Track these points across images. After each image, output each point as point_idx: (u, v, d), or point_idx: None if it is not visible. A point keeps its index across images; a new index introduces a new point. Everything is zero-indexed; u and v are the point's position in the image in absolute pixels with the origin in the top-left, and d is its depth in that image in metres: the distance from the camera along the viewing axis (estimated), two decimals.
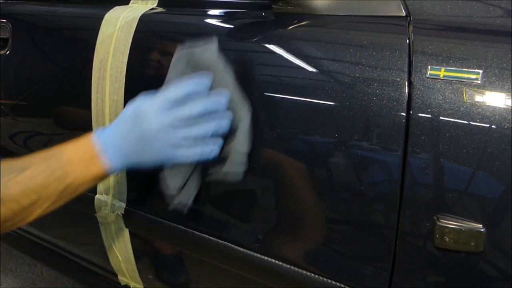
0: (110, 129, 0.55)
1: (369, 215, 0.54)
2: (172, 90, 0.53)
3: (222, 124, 0.55)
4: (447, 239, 0.48)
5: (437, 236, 0.49)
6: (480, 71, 0.47)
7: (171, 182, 0.56)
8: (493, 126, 0.46)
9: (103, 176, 0.55)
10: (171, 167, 0.56)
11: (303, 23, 0.61)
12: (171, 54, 0.69)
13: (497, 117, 0.46)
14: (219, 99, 0.54)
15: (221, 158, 0.55)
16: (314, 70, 0.56)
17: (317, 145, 0.56)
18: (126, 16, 0.74)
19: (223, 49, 0.66)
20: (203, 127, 0.53)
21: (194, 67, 0.56)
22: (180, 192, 0.57)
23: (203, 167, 0.57)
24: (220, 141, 0.55)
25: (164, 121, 0.52)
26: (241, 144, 0.56)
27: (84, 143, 0.54)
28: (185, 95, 0.53)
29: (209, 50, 0.56)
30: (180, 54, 0.57)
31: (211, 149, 0.55)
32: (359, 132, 0.53)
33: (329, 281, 0.58)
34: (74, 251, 1.04)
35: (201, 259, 0.74)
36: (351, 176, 0.54)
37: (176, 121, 0.52)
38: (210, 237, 0.68)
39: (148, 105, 0.53)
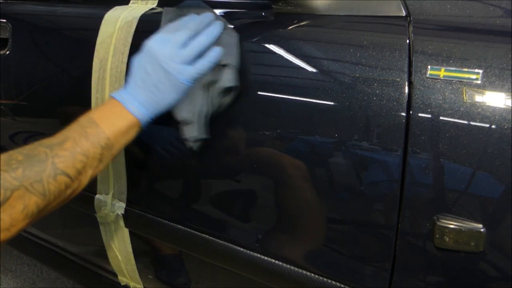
0: (129, 84, 0.57)
1: (369, 215, 0.54)
2: (179, 34, 0.56)
3: (216, 32, 0.59)
4: (447, 239, 0.48)
5: (437, 236, 0.49)
6: (480, 71, 0.47)
7: (182, 115, 0.58)
8: (493, 126, 0.46)
9: (136, 125, 0.57)
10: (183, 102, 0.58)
11: (303, 23, 0.61)
12: None
13: (497, 117, 0.46)
14: (212, 21, 0.59)
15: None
16: (314, 70, 0.56)
17: (317, 145, 0.56)
18: (126, 16, 0.74)
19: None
20: (203, 40, 0.57)
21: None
22: (192, 127, 0.59)
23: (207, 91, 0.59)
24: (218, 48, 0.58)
25: (179, 61, 0.55)
26: (231, 59, 0.58)
27: (109, 102, 0.57)
28: (190, 32, 0.56)
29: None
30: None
31: (217, 53, 0.57)
32: (359, 132, 0.53)
33: (329, 281, 0.58)
34: (74, 251, 1.04)
35: (201, 259, 0.74)
36: (351, 176, 0.54)
37: (189, 58, 0.55)
38: (210, 237, 0.68)
39: (162, 53, 0.55)
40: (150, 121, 0.58)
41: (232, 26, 0.63)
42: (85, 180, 0.54)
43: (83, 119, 0.55)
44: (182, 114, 0.58)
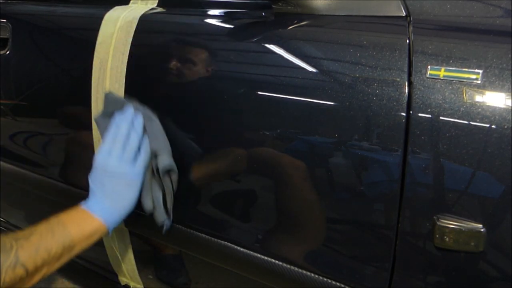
0: (91, 195, 0.63)
1: (369, 215, 0.54)
2: (117, 137, 0.63)
3: (140, 126, 0.65)
4: (447, 239, 0.48)
5: (437, 236, 0.49)
6: (480, 71, 0.47)
7: (146, 205, 0.65)
8: (493, 126, 0.46)
9: (101, 230, 0.61)
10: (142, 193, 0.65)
11: (303, 23, 0.61)
12: (171, 54, 0.69)
13: (497, 117, 0.46)
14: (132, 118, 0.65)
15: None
16: (314, 70, 0.56)
17: (317, 145, 0.56)
18: (126, 16, 0.74)
19: (223, 49, 0.66)
20: (134, 139, 0.63)
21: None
22: (157, 212, 0.66)
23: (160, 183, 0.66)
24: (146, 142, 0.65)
25: (124, 164, 0.61)
26: (158, 144, 0.65)
27: (75, 209, 0.62)
28: (126, 134, 0.63)
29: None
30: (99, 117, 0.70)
31: (147, 145, 0.64)
32: (359, 132, 0.53)
33: (329, 281, 0.58)
34: None
35: (201, 259, 0.74)
36: (351, 176, 0.54)
37: (130, 158, 0.62)
38: (210, 237, 0.68)
39: (109, 164, 0.62)
40: (117, 224, 0.63)
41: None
42: (37, 278, 0.56)
43: (53, 219, 0.59)
44: (146, 204, 0.65)
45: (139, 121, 0.64)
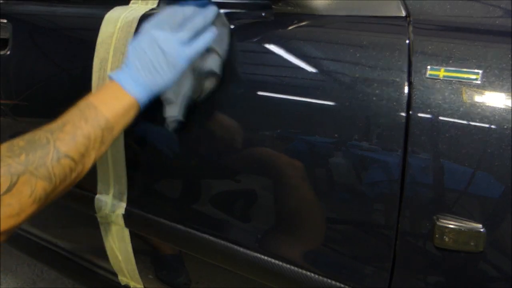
0: (126, 65, 0.57)
1: (369, 215, 0.54)
2: (175, 14, 0.57)
3: (210, 15, 0.59)
4: (447, 239, 0.48)
5: (437, 236, 0.49)
6: (480, 71, 0.47)
7: (167, 93, 0.59)
8: (493, 126, 0.46)
9: (134, 106, 0.57)
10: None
11: (303, 23, 0.61)
12: None
13: (497, 117, 0.46)
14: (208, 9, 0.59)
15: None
16: (314, 70, 0.56)
17: (317, 145, 0.56)
18: (126, 16, 0.74)
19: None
20: (199, 22, 0.57)
21: None
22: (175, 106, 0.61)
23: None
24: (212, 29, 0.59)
25: (176, 42, 0.56)
26: (220, 46, 0.60)
27: (107, 84, 0.57)
28: (186, 14, 0.57)
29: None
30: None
31: (211, 34, 0.58)
32: (359, 132, 0.53)
33: (329, 281, 0.58)
34: (75, 251, 1.04)
35: (201, 259, 0.74)
36: (351, 176, 0.54)
37: (185, 38, 0.56)
38: (210, 237, 0.68)
39: (160, 34, 0.56)
40: (148, 102, 0.58)
41: (224, 13, 0.63)
42: (89, 162, 0.55)
43: (82, 103, 0.55)
44: (167, 93, 0.59)
45: (211, 12, 0.58)
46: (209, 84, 0.61)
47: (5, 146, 0.50)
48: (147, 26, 0.57)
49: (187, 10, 0.58)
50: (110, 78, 0.57)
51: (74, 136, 0.52)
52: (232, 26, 0.63)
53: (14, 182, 0.48)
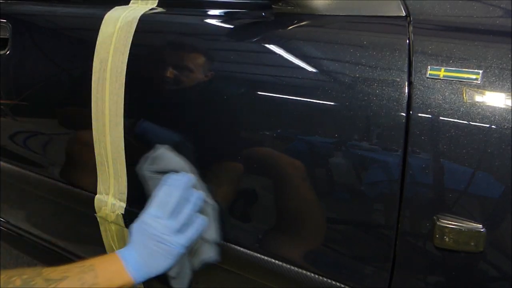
0: (131, 248, 0.62)
1: (369, 215, 0.54)
2: (167, 204, 0.61)
3: (199, 203, 0.64)
4: (447, 239, 0.48)
5: (437, 236, 0.49)
6: (480, 71, 0.47)
7: (172, 271, 0.64)
8: (493, 126, 0.46)
9: (128, 284, 0.61)
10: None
11: (303, 23, 0.61)
12: (171, 54, 0.69)
13: (497, 117, 0.46)
14: (198, 193, 0.64)
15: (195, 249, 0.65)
16: (314, 70, 0.56)
17: (317, 145, 0.56)
18: (126, 16, 0.74)
19: (223, 50, 0.66)
20: (189, 211, 0.62)
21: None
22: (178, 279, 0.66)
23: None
24: (202, 217, 0.63)
25: (170, 232, 0.60)
26: (210, 234, 0.64)
27: (111, 257, 0.61)
28: (177, 203, 0.61)
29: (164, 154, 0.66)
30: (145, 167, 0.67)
31: (200, 223, 0.62)
32: (359, 132, 0.53)
33: (329, 281, 0.58)
34: (74, 251, 1.04)
35: None
36: (351, 176, 0.54)
37: (178, 226, 0.61)
38: None
39: (156, 227, 0.60)
40: (143, 281, 0.62)
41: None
42: None
43: (87, 263, 0.59)
44: (170, 271, 0.63)
45: (200, 199, 0.63)
46: (205, 264, 0.65)
47: (3, 277, 0.53)
48: (145, 218, 0.61)
49: (174, 197, 0.61)
50: (116, 256, 0.61)
51: None
52: (231, 26, 0.63)
53: None
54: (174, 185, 0.62)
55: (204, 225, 0.63)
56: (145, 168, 0.67)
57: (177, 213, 0.61)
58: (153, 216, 0.61)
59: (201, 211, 0.64)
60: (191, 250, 0.64)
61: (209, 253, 0.64)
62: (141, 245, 0.61)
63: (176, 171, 0.64)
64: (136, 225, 0.62)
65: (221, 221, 0.65)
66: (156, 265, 0.60)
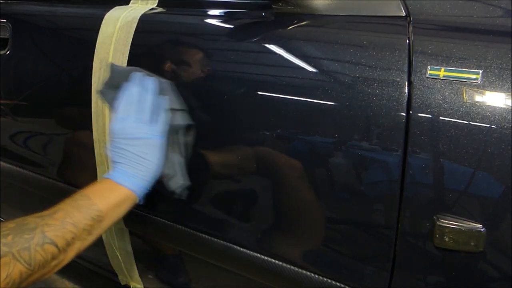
0: (115, 165, 0.60)
1: (369, 215, 0.54)
2: (130, 103, 0.61)
3: (152, 86, 0.63)
4: (447, 239, 0.48)
5: (437, 236, 0.49)
6: (480, 71, 0.47)
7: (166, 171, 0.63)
8: (493, 126, 0.46)
9: (130, 198, 0.59)
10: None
11: (303, 23, 0.61)
12: (171, 54, 0.69)
13: (497, 117, 0.46)
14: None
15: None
16: (314, 70, 0.56)
17: (317, 145, 0.56)
18: (126, 16, 0.74)
19: (223, 49, 0.66)
20: (150, 99, 0.61)
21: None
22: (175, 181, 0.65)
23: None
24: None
25: (143, 125, 0.59)
26: (175, 104, 0.63)
27: (99, 181, 0.60)
28: (138, 97, 0.61)
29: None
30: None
31: (164, 101, 0.62)
32: (359, 132, 0.53)
33: (329, 281, 0.58)
34: None
35: (201, 259, 0.74)
36: (351, 176, 0.54)
37: (148, 117, 0.60)
38: (210, 237, 0.68)
39: (127, 128, 0.60)
40: (146, 191, 0.60)
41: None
42: (71, 253, 0.55)
43: (76, 194, 0.57)
44: (164, 171, 0.62)
45: (151, 82, 0.62)
46: (189, 139, 0.65)
47: None
48: (113, 127, 0.61)
49: (134, 93, 0.61)
50: (104, 179, 0.60)
51: (63, 222, 0.53)
52: (231, 26, 0.63)
53: None
54: (130, 84, 0.62)
55: (167, 103, 0.62)
56: (100, 88, 0.68)
57: (142, 106, 0.60)
58: (121, 119, 0.60)
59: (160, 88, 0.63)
60: (169, 136, 0.63)
61: (181, 119, 0.63)
62: (123, 156, 0.59)
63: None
64: (111, 144, 0.61)
65: (179, 94, 0.65)
66: (148, 165, 0.59)
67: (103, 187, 0.58)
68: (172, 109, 0.63)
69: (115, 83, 0.65)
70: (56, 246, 0.52)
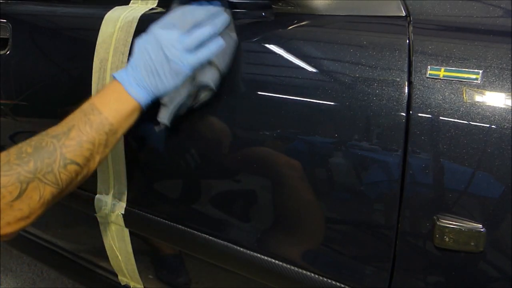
0: (131, 66, 0.57)
1: (369, 215, 0.54)
2: (185, 18, 0.56)
3: (220, 25, 0.58)
4: (447, 239, 0.48)
5: (437, 236, 0.49)
6: (480, 71, 0.47)
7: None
8: (493, 126, 0.46)
9: (137, 109, 0.58)
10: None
11: (303, 23, 0.61)
12: None
13: (497, 117, 0.46)
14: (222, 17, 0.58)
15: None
16: (314, 70, 0.56)
17: (317, 145, 0.56)
18: (126, 16, 0.74)
19: None
20: (207, 31, 0.56)
21: None
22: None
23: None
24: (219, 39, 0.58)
25: (181, 48, 0.55)
26: (220, 62, 0.58)
27: (110, 85, 0.58)
28: (197, 19, 0.56)
29: None
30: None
31: (216, 45, 0.57)
32: (359, 132, 0.53)
33: (329, 281, 0.58)
34: (75, 251, 1.04)
35: (201, 259, 0.74)
36: (351, 176, 0.54)
37: (191, 46, 0.55)
38: (210, 237, 0.68)
39: (166, 39, 0.55)
40: (148, 103, 0.58)
41: (235, 27, 0.62)
42: (93, 165, 0.57)
43: (86, 106, 0.57)
44: (164, 97, 0.59)
45: (222, 21, 0.57)
46: (203, 96, 0.61)
47: (13, 152, 0.52)
48: (155, 27, 0.56)
49: (198, 14, 0.57)
50: (114, 78, 0.58)
51: (80, 142, 0.54)
52: (234, 27, 0.63)
53: (24, 189, 0.51)
54: (203, 3, 0.57)
55: (219, 49, 0.57)
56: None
57: (195, 30, 0.55)
58: (166, 25, 0.55)
59: (220, 34, 0.58)
60: (193, 78, 0.58)
61: (209, 77, 0.58)
62: (145, 59, 0.55)
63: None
64: (142, 37, 0.56)
65: (233, 57, 0.60)
66: (160, 84, 0.55)
67: (112, 96, 0.56)
68: (213, 64, 0.58)
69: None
70: (78, 164, 0.54)
